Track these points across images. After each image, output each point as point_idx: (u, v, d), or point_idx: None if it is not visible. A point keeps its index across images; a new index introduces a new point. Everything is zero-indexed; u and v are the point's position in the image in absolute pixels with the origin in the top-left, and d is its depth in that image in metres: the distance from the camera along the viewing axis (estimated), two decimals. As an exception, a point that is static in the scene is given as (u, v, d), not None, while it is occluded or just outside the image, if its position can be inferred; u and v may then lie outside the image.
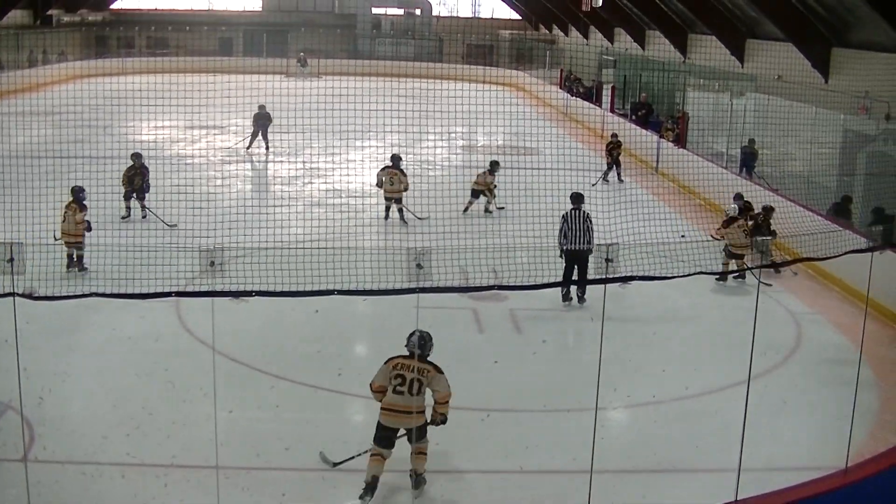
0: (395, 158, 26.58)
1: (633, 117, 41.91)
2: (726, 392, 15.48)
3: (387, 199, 26.36)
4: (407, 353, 12.55)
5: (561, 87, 56.41)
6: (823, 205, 24.67)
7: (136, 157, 26.17)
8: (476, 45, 74.70)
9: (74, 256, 20.82)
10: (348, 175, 28.83)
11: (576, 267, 19.44)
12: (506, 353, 17.45)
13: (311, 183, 30.73)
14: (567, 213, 19.63)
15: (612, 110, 45.41)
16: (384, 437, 12.32)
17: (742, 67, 37.20)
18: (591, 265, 11.40)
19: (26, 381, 11.34)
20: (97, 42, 71.26)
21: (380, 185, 26.45)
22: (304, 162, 32.83)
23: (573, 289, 19.50)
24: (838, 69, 30.04)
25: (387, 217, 26.32)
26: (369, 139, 32.65)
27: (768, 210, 22.86)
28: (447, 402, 12.46)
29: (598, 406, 11.11)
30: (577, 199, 19.82)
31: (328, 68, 53.41)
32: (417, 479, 12.40)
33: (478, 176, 27.43)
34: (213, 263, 11.55)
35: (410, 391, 12.24)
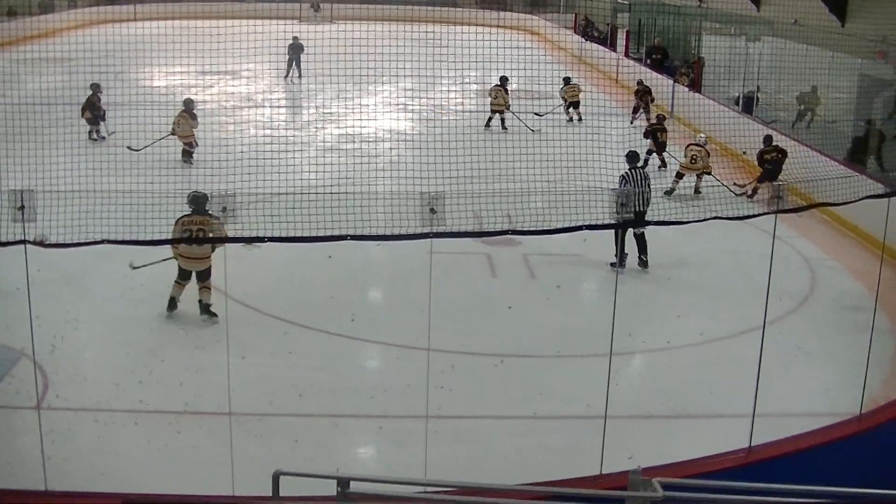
0: (503, 79, 30.85)
1: (648, 62, 41.60)
2: (741, 338, 15.43)
3: (491, 111, 31.14)
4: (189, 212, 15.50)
5: (575, 32, 55.98)
6: (839, 150, 24.56)
7: (95, 87, 27.40)
8: (490, -10, 74.04)
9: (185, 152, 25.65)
10: (361, 120, 28.73)
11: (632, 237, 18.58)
12: (520, 299, 17.42)
13: (324, 128, 30.55)
14: (626, 173, 18.70)
15: (626, 55, 45.08)
16: (184, 275, 15.89)
17: (758, 11, 36.85)
18: (606, 210, 11.25)
19: (39, 328, 11.34)
20: (109, -12, 70.79)
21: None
22: (316, 107, 32.68)
23: (632, 256, 18.71)
24: (855, 13, 29.71)
25: (487, 125, 30.80)
26: (382, 84, 32.47)
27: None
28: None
29: (613, 352, 11.07)
30: (633, 157, 19.17)
31: (341, 13, 53.10)
32: (207, 308, 15.85)
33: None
34: (224, 209, 11.48)
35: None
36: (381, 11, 43.08)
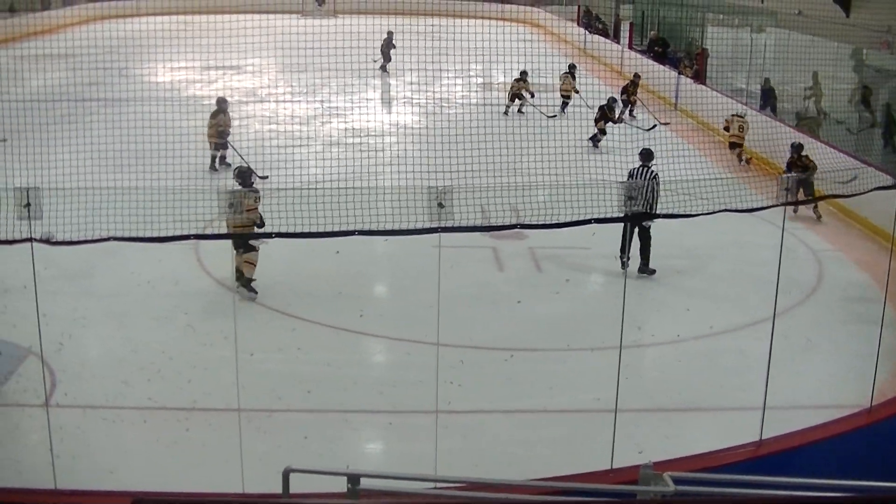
0: (571, 66, 33.27)
1: (651, 54, 41.54)
2: (749, 330, 15.42)
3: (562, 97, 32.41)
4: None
5: (579, 24, 55.89)
6: (845, 142, 24.50)
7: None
8: (493, -17, 73.84)
9: (218, 157, 24.25)
10: (366, 114, 28.69)
11: (636, 232, 17.82)
12: (527, 292, 17.39)
13: (329, 123, 30.52)
14: (633, 171, 18.34)
15: (630, 47, 45.02)
16: (234, 244, 16.09)
17: (762, 2, 36.80)
18: (616, 206, 11.08)
19: (46, 326, 11.28)
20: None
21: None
22: (321, 101, 32.62)
23: (635, 261, 17.98)
24: (860, 4, 29.68)
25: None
26: (387, 77, 32.44)
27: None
28: (252, 209, 15.71)
29: (622, 345, 11.03)
30: (646, 155, 18.47)
31: (344, 7, 52.97)
32: (240, 278, 16.16)
33: None
34: (231, 205, 11.44)
35: (236, 211, 14.80)
36: (383, 5, 42.99)
